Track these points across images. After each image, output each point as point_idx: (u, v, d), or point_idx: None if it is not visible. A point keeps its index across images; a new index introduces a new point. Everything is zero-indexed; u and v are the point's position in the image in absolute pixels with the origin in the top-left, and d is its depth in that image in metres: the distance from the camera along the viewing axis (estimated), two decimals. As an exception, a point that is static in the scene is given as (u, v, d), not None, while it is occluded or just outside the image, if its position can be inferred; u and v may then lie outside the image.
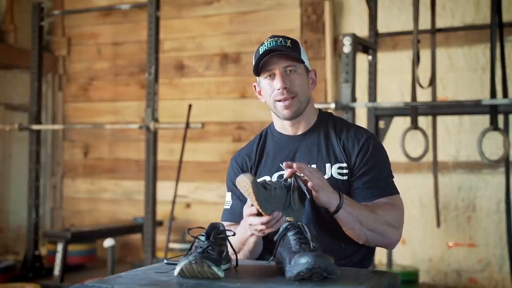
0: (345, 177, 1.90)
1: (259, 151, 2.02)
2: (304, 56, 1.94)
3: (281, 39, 1.91)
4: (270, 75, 1.91)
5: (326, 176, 1.89)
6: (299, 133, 1.99)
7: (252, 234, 1.78)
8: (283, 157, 1.96)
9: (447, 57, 4.72)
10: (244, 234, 1.80)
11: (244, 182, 1.64)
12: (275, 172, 1.96)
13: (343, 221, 1.79)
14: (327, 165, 1.91)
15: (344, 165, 1.91)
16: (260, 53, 1.90)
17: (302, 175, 1.72)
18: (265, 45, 1.91)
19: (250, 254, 1.88)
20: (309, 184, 1.71)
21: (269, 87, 1.92)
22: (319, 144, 1.95)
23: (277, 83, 1.89)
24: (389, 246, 1.92)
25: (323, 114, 2.04)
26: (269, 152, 2.01)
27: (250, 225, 1.72)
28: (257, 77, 1.98)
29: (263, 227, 1.69)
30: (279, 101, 1.91)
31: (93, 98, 5.97)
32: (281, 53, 1.88)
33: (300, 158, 1.95)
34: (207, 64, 5.53)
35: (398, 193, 1.93)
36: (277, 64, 1.89)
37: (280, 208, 1.68)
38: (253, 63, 1.93)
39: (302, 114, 1.95)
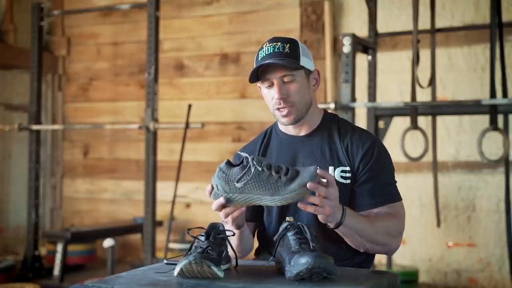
0: (348, 181, 1.89)
1: (262, 150, 2.02)
2: (304, 59, 1.90)
3: (279, 44, 1.87)
4: (268, 85, 1.90)
5: None
6: (302, 134, 1.98)
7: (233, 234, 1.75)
8: (286, 157, 1.95)
9: (446, 57, 4.72)
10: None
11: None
12: None
13: (342, 234, 1.79)
14: (330, 168, 1.90)
15: (347, 168, 1.90)
16: (259, 59, 1.88)
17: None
18: (263, 51, 1.88)
19: (239, 252, 1.84)
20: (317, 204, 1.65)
21: (269, 95, 1.91)
22: (322, 146, 1.94)
23: (274, 93, 1.88)
24: (389, 254, 1.94)
25: (328, 116, 2.02)
26: (272, 151, 2.00)
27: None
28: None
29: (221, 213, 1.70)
30: (277, 109, 1.91)
31: (93, 98, 5.97)
32: (278, 62, 1.84)
33: (303, 159, 1.94)
34: (207, 64, 5.53)
35: (400, 200, 1.92)
36: (274, 74, 1.87)
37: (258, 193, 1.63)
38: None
39: (305, 117, 1.94)
